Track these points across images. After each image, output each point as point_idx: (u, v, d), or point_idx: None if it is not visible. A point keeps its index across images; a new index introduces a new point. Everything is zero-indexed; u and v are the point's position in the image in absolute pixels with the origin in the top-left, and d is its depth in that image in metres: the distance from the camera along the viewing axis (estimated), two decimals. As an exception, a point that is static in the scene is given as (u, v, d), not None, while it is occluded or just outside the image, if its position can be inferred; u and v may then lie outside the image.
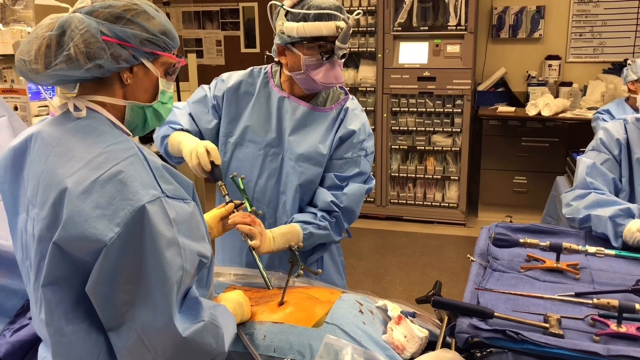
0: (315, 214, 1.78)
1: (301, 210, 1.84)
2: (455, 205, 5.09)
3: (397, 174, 5.21)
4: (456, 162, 5.08)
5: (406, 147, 5.16)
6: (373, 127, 5.14)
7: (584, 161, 1.85)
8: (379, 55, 4.97)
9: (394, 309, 1.51)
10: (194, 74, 3.26)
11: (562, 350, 1.08)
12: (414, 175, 5.18)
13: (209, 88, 1.89)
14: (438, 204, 5.15)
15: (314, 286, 1.64)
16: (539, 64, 5.16)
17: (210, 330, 1.09)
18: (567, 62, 5.12)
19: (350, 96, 1.88)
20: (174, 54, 1.22)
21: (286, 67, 1.76)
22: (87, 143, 1.08)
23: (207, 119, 1.85)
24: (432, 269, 4.24)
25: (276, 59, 1.79)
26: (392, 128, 5.12)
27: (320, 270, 1.56)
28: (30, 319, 1.45)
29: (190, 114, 1.86)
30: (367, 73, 5.10)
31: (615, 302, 1.15)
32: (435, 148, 5.08)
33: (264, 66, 1.89)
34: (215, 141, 1.88)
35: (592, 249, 1.41)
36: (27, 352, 1.39)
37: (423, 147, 5.11)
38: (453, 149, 5.03)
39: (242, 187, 1.68)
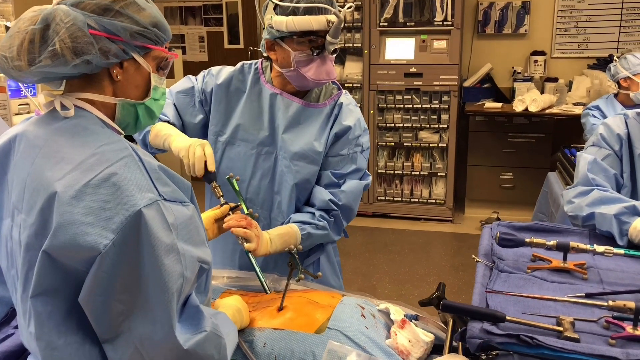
0: (314, 213, 1.73)
1: (297, 210, 1.78)
2: (443, 201, 5.07)
3: (384, 171, 5.17)
4: (443, 158, 5.06)
5: (393, 143, 5.12)
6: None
7: (585, 157, 1.82)
8: (365, 51, 4.92)
9: (397, 312, 1.47)
10: (180, 70, 3.18)
11: (580, 355, 1.04)
12: (400, 172, 5.15)
13: (196, 80, 1.82)
14: (425, 200, 5.13)
15: (311, 289, 1.58)
16: (525, 60, 5.16)
17: (213, 341, 1.03)
18: (552, 58, 5.12)
19: (344, 91, 1.83)
20: (166, 47, 1.15)
21: (276, 62, 1.70)
22: (76, 144, 1.01)
23: (192, 113, 1.78)
24: (420, 266, 4.21)
25: (265, 55, 1.73)
26: (379, 125, 5.08)
27: (320, 273, 1.51)
28: (16, 327, 1.37)
29: (174, 105, 1.78)
30: (353, 69, 5.05)
31: (631, 304, 1.12)
32: (422, 144, 5.05)
33: (254, 62, 1.82)
34: (199, 136, 1.81)
35: (600, 248, 1.37)
36: (13, 363, 1.31)
37: (410, 144, 5.08)
38: (440, 145, 5.00)
39: (237, 188, 1.61)
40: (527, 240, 1.43)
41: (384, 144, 5.13)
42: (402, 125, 5.04)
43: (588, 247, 1.39)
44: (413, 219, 5.14)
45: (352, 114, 1.77)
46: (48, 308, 0.96)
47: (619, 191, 1.75)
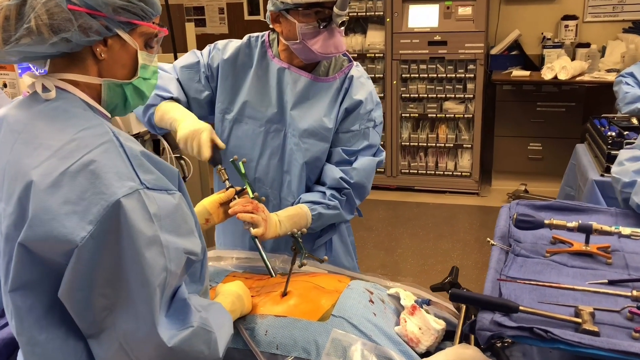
0: (324, 192, 1.66)
1: (308, 189, 1.72)
2: (469, 173, 4.94)
3: (407, 143, 5.05)
4: (469, 129, 4.92)
5: (417, 114, 4.99)
6: (382, 94, 4.97)
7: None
8: (388, 20, 4.76)
9: (407, 298, 1.40)
10: (193, 44, 3.11)
11: (599, 350, 0.95)
12: (425, 144, 5.02)
13: (202, 54, 1.74)
14: (450, 173, 5.00)
15: (320, 273, 1.52)
16: (555, 25, 4.93)
17: (201, 336, 0.97)
18: (584, 22, 4.88)
19: (355, 63, 1.74)
20: (154, 22, 1.08)
21: (282, 35, 1.61)
22: (55, 128, 0.95)
23: (197, 88, 1.71)
24: (444, 241, 4.13)
25: (271, 27, 1.65)
26: (402, 95, 4.95)
27: (326, 257, 1.44)
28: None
29: (178, 80, 1.71)
30: (375, 38, 4.90)
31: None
32: (447, 115, 4.91)
33: (260, 34, 1.73)
34: (205, 113, 1.75)
35: (626, 230, 1.27)
36: (12, 352, 1.29)
37: (434, 115, 4.94)
38: (465, 115, 4.85)
39: (243, 171, 1.55)
40: (546, 221, 1.33)
41: (408, 115, 5.00)
42: (426, 95, 4.90)
43: (613, 228, 1.29)
44: (438, 192, 5.03)
45: (363, 88, 1.69)
46: (28, 302, 0.91)
47: None
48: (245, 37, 1.74)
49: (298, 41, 1.56)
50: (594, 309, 1.07)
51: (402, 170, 5.11)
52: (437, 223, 4.45)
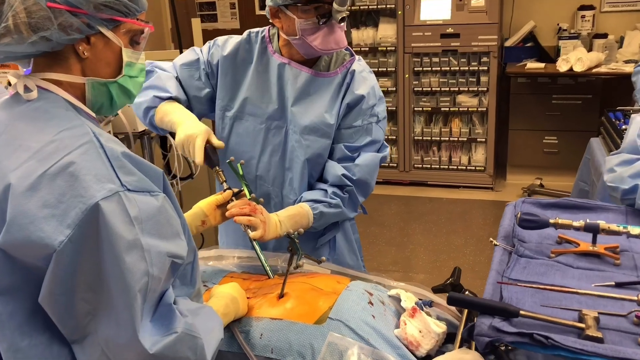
0: (326, 190, 1.63)
1: (310, 186, 1.68)
2: (483, 168, 4.86)
3: (420, 137, 4.99)
4: (483, 123, 4.84)
5: (430, 108, 4.92)
6: (394, 88, 4.91)
7: (638, 121, 1.63)
8: (399, 12, 4.70)
9: (408, 299, 1.35)
10: (199, 40, 3.08)
11: (602, 358, 0.91)
12: (438, 138, 4.96)
13: (201, 51, 1.71)
14: (464, 167, 4.94)
15: (319, 273, 1.48)
16: (571, 15, 4.83)
17: (186, 342, 0.94)
18: (601, 12, 4.76)
19: (357, 57, 1.69)
20: (139, 19, 1.04)
21: (282, 30, 1.58)
22: (35, 129, 0.92)
23: (197, 86, 1.68)
24: (457, 236, 4.07)
25: (271, 22, 1.61)
26: (415, 89, 4.88)
27: (324, 257, 1.41)
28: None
29: (177, 78, 1.68)
30: (387, 32, 4.84)
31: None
32: (460, 109, 4.83)
33: (260, 29, 1.70)
34: (206, 111, 1.72)
35: (635, 230, 1.22)
36: None
37: (447, 108, 4.87)
38: (479, 109, 4.78)
39: (241, 172, 1.52)
40: (551, 220, 1.28)
41: (420, 109, 4.94)
42: (439, 89, 4.83)
43: (621, 228, 1.23)
44: (451, 186, 4.96)
45: (365, 82, 1.65)
46: (9, 308, 0.89)
47: None
48: (245, 33, 1.70)
49: (298, 37, 1.53)
50: (599, 313, 1.03)
51: (415, 165, 5.06)
52: (450, 219, 4.39)
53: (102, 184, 0.87)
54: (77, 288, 0.87)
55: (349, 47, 1.71)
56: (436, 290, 1.35)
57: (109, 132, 2.43)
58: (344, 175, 1.61)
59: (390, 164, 5.07)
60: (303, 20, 1.49)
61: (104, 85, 1.03)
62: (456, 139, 4.91)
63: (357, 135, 1.64)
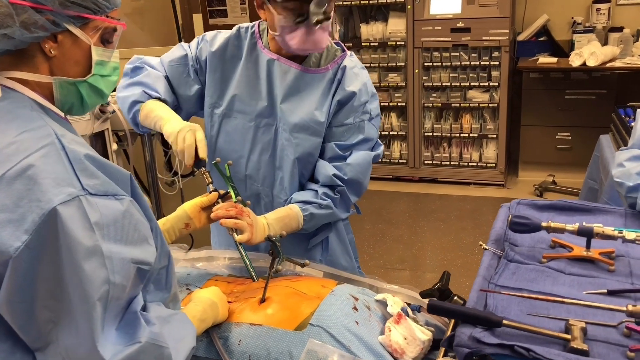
0: (316, 191, 1.59)
1: (301, 186, 1.64)
2: (494, 164, 4.78)
3: (430, 134, 4.92)
4: (494, 118, 4.75)
5: (440, 104, 4.84)
6: (404, 84, 4.84)
7: None
8: (409, 7, 4.62)
9: (395, 304, 1.31)
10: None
11: (585, 373, 0.86)
12: (449, 134, 4.88)
13: (189, 47, 1.68)
14: (475, 164, 4.86)
15: (304, 277, 1.45)
16: (586, 9, 4.71)
17: (151, 352, 0.91)
18: (617, 5, 4.64)
19: (349, 52, 1.65)
20: (109, 16, 1.01)
21: (267, 23, 1.54)
22: None
23: (187, 83, 1.64)
24: (466, 234, 4.00)
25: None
26: (425, 84, 4.81)
27: (307, 261, 1.37)
28: None
29: (167, 77, 1.65)
30: (396, 26, 4.77)
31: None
32: (471, 104, 4.75)
33: (250, 24, 1.66)
34: (194, 109, 1.69)
35: (630, 235, 1.16)
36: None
37: (458, 104, 4.79)
38: (490, 105, 4.69)
39: (228, 174, 1.48)
40: (543, 224, 1.22)
41: (431, 104, 4.86)
42: (449, 84, 4.75)
43: (616, 232, 1.17)
44: (462, 183, 4.89)
45: (357, 78, 1.60)
46: None
47: None
48: (235, 28, 1.67)
49: (277, 33, 1.49)
50: (587, 323, 0.97)
51: (425, 162, 4.99)
52: (460, 216, 4.32)
53: (61, 188, 0.84)
54: (38, 295, 0.84)
55: (340, 42, 1.67)
56: (424, 294, 1.30)
57: (107, 129, 2.41)
58: (335, 175, 1.57)
59: (400, 161, 5.01)
60: (282, 17, 1.45)
61: (73, 84, 1.00)
62: (467, 135, 4.83)
63: (348, 133, 1.60)
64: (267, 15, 1.50)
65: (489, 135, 4.77)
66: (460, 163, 4.90)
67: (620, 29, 4.53)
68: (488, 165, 4.81)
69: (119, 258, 0.87)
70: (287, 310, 1.23)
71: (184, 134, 1.42)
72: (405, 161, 5.00)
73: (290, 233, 1.53)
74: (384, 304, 1.33)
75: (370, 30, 4.84)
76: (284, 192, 1.64)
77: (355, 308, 1.27)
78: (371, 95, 1.63)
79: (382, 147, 1.68)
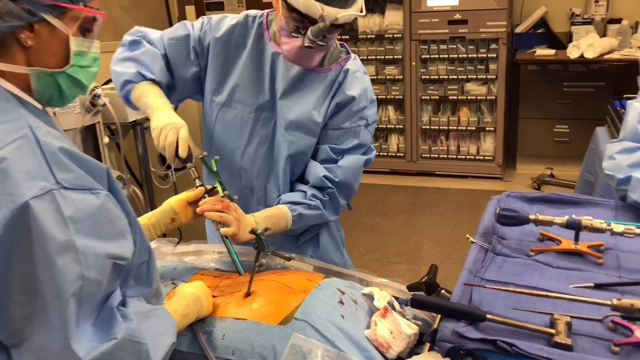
0: (305, 192, 1.57)
1: (291, 184, 1.63)
2: (492, 157, 4.76)
3: (428, 127, 4.90)
4: (492, 111, 4.73)
5: (437, 97, 4.83)
6: (401, 76, 4.82)
7: (636, 107, 1.55)
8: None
9: (382, 298, 1.30)
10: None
11: (568, 368, 0.84)
12: (446, 128, 4.86)
13: (193, 27, 1.62)
14: (473, 157, 4.84)
15: (291, 270, 1.43)
16: (584, 0, 4.68)
17: (127, 349, 0.89)
18: (616, -3, 4.61)
19: (353, 55, 1.62)
20: (88, 5, 0.99)
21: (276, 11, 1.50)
22: None
23: (185, 65, 1.60)
24: (463, 228, 3.98)
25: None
26: (422, 77, 4.79)
27: (293, 255, 1.35)
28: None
29: (165, 55, 1.60)
30: (393, 18, 4.74)
31: (628, 302, 0.91)
32: (468, 97, 4.73)
33: (259, 13, 1.61)
34: (190, 91, 1.66)
35: (619, 227, 1.14)
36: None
37: (456, 97, 4.77)
38: (488, 97, 4.67)
39: (215, 169, 1.46)
40: (531, 216, 1.21)
41: (428, 97, 4.84)
42: (447, 77, 4.73)
43: (604, 225, 1.16)
44: (460, 176, 4.87)
45: (358, 83, 1.58)
46: None
47: None
48: (242, 15, 1.61)
49: (277, 29, 1.47)
50: (572, 317, 0.96)
51: (423, 155, 4.97)
52: (457, 209, 4.31)
53: (34, 182, 0.82)
54: (11, 291, 0.83)
55: (344, 44, 1.64)
56: (411, 288, 1.29)
57: (98, 122, 2.40)
58: (325, 176, 1.56)
59: (398, 154, 4.99)
60: (285, 19, 1.43)
61: (51, 75, 0.98)
62: (464, 128, 4.81)
63: (344, 137, 1.59)
64: (276, 7, 1.47)
65: (487, 128, 4.75)
66: (458, 156, 4.89)
67: (618, 21, 4.50)
68: (486, 158, 4.79)
69: (93, 253, 0.86)
70: (272, 304, 1.22)
71: (166, 132, 1.40)
72: (402, 154, 4.98)
73: (279, 233, 1.52)
74: (371, 297, 1.31)
75: (367, 23, 4.81)
76: (277, 188, 1.63)
77: (341, 302, 1.25)
78: (370, 101, 1.61)
79: (374, 152, 1.67)
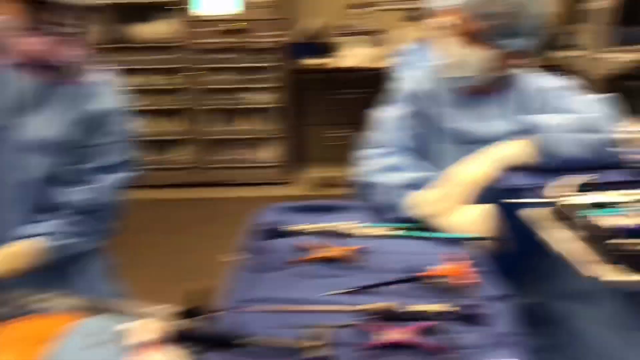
0: (57, 220, 1.43)
1: (36, 215, 1.44)
2: (275, 165, 4.89)
3: (209, 137, 4.86)
4: (272, 120, 4.86)
5: (217, 107, 4.81)
6: (181, 86, 4.71)
7: (383, 114, 1.65)
8: (182, 7, 4.53)
9: (145, 331, 1.18)
10: None
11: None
12: (227, 137, 4.87)
13: None
14: (259, 164, 4.91)
15: (42, 315, 1.25)
16: (350, 13, 5.01)
17: None
18: (378, 10, 5.00)
19: (103, 67, 1.50)
20: None
21: None
22: None
23: None
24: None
25: None
26: (200, 87, 4.75)
27: (47, 294, 1.19)
28: None
29: None
30: (168, 27, 4.63)
31: (379, 305, 0.93)
32: (248, 106, 4.81)
33: None
34: None
35: (374, 230, 1.18)
36: None
37: (236, 107, 4.80)
38: (268, 106, 4.80)
39: None
40: (287, 228, 1.20)
41: (208, 107, 4.81)
42: (226, 86, 4.75)
43: (357, 230, 1.19)
44: (244, 185, 4.86)
45: (106, 95, 1.47)
46: None
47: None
48: None
49: None
50: (326, 327, 0.95)
51: (207, 165, 4.91)
52: (237, 221, 4.24)
53: None
54: None
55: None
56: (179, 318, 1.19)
57: None
58: (75, 201, 1.43)
59: (182, 166, 4.87)
60: None
61: None
62: (246, 136, 4.86)
63: (93, 155, 1.46)
64: None
65: (268, 137, 4.86)
66: (241, 165, 4.91)
67: (379, 32, 4.89)
68: (269, 166, 4.89)
69: None
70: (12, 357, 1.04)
71: None
72: (184, 166, 4.89)
73: (30, 269, 1.37)
74: (132, 332, 1.19)
75: (142, 31, 4.61)
76: (15, 220, 1.43)
77: (97, 344, 1.11)
78: (123, 114, 1.51)
79: (133, 171, 1.56)
